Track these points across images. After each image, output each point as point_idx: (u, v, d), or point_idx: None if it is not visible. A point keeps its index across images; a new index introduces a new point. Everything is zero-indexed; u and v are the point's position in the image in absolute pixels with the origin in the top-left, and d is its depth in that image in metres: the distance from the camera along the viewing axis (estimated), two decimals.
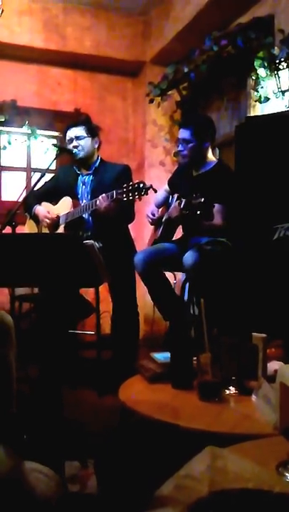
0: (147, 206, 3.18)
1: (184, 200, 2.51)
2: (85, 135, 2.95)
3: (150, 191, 2.56)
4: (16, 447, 0.84)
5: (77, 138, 2.93)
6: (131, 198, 2.52)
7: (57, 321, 2.59)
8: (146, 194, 2.55)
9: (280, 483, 0.83)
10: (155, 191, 2.69)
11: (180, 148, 2.83)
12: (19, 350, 0.94)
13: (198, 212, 2.43)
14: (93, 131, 3.00)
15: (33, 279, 2.22)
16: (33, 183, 2.85)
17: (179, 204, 2.54)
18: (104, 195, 2.65)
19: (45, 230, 3.04)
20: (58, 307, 2.58)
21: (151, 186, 2.54)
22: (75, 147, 2.93)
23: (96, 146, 3.01)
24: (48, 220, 2.98)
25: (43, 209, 3.03)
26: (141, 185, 2.51)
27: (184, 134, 2.79)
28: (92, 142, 2.98)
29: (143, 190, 2.51)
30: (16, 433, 0.88)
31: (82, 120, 3.07)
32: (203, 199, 2.40)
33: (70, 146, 2.95)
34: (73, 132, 2.95)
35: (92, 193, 2.94)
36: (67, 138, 2.98)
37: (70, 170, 3.09)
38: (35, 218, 3.09)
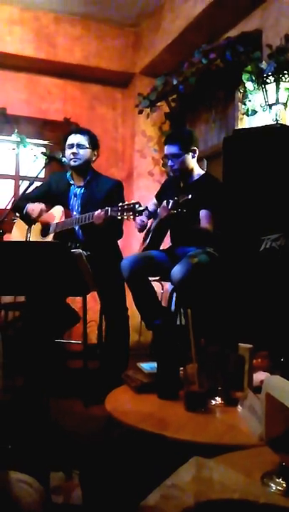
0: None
1: (171, 201, 2.60)
2: (87, 145, 2.92)
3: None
4: (1, 457, 0.83)
5: (79, 146, 2.90)
6: (125, 217, 2.54)
7: (43, 330, 2.58)
8: (141, 215, 2.63)
9: (265, 494, 0.83)
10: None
11: (170, 163, 2.89)
12: (5, 359, 0.94)
13: (185, 210, 2.52)
14: (95, 144, 2.97)
15: (20, 287, 2.21)
16: (21, 192, 2.83)
17: (167, 204, 2.60)
18: (101, 212, 2.65)
19: (33, 234, 3.00)
20: (44, 316, 2.56)
21: (146, 208, 2.61)
22: (74, 154, 2.89)
23: (93, 159, 2.99)
24: (37, 210, 2.89)
25: (36, 203, 2.95)
26: (136, 205, 2.54)
27: (172, 149, 2.85)
28: (91, 154, 2.96)
29: (138, 211, 2.54)
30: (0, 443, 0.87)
31: (86, 130, 3.04)
32: (190, 195, 2.51)
33: (69, 152, 2.91)
34: (76, 138, 2.91)
35: (82, 206, 2.94)
36: (69, 142, 2.92)
37: (63, 178, 3.05)
38: (27, 218, 3.00)
